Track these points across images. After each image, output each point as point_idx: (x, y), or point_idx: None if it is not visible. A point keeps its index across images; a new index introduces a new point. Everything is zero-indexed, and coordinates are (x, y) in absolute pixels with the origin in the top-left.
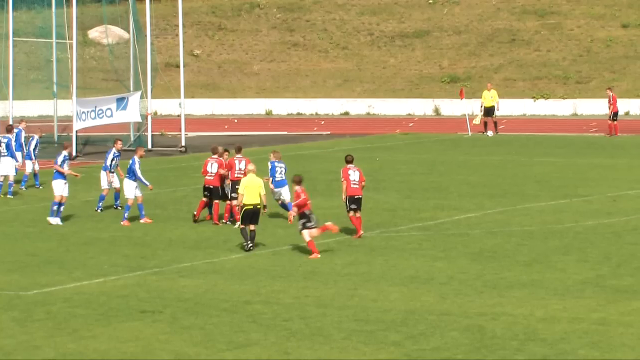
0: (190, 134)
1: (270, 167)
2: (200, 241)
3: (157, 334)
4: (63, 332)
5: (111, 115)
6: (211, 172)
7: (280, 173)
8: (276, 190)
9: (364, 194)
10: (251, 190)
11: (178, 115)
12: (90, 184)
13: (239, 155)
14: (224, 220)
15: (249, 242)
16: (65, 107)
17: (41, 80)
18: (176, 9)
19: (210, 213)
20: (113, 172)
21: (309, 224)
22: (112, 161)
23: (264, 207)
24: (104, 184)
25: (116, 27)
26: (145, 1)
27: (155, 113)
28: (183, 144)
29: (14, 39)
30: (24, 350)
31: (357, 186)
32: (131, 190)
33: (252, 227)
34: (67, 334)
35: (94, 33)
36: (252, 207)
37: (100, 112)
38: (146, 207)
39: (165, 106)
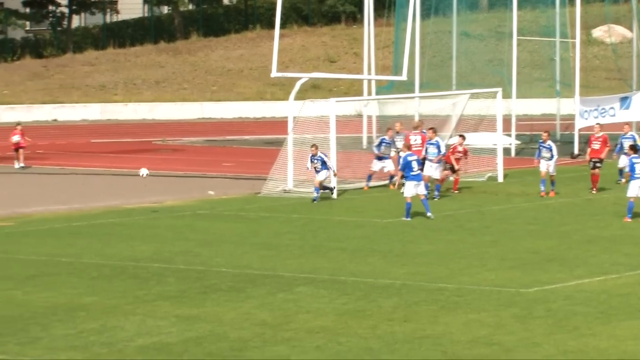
0: None
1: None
2: None
3: None
4: (563, 329)
5: (614, 115)
6: None
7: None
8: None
9: None
10: None
11: None
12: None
13: None
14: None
15: None
16: (568, 105)
17: (544, 78)
18: None
19: None
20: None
21: None
22: None
23: None
24: None
25: (619, 26)
26: None
27: None
28: None
29: (518, 37)
30: (523, 347)
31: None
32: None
33: None
34: (567, 332)
35: (597, 32)
36: None
37: (602, 111)
38: None
39: None
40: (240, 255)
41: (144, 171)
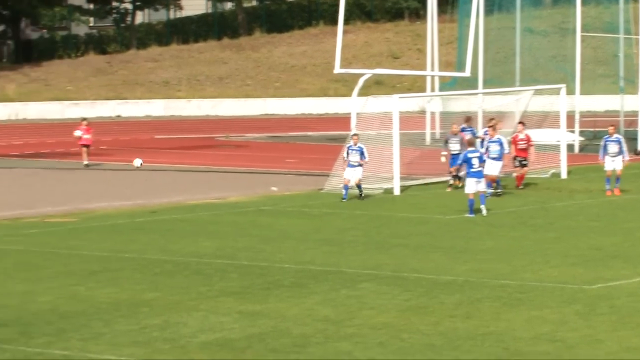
0: None
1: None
2: None
3: None
4: (627, 326)
5: None
6: None
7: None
8: None
9: None
10: None
11: None
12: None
13: None
14: None
15: None
16: (632, 102)
17: (608, 75)
18: None
19: None
20: None
21: None
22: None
23: None
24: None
25: None
26: None
27: None
28: None
29: (582, 34)
30: (586, 344)
31: None
32: None
33: None
34: (630, 329)
35: None
36: None
37: None
38: None
39: None
40: (304, 251)
41: (137, 162)
